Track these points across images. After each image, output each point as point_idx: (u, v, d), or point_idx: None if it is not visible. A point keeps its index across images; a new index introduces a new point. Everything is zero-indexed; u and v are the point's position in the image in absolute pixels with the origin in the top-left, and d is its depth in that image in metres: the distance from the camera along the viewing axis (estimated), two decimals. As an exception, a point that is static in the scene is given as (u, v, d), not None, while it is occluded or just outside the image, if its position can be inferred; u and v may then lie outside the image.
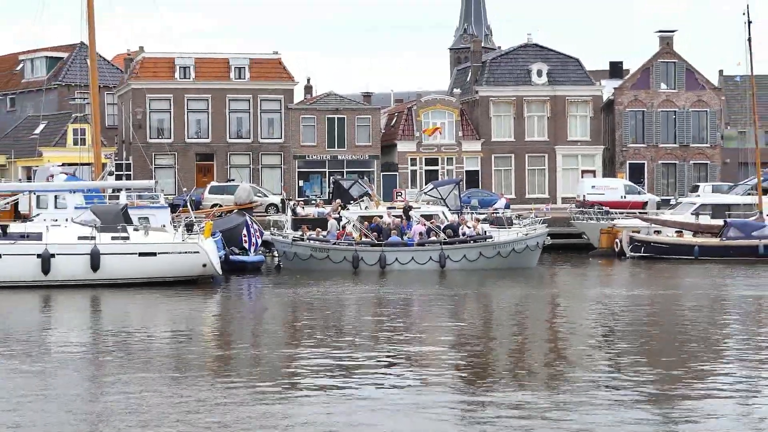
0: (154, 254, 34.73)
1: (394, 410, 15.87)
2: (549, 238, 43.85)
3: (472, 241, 41.47)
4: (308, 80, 72.31)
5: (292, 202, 51.48)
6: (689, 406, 16.45)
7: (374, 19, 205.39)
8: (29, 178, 59.18)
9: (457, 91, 71.78)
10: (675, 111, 68.52)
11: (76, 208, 39.38)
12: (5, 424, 15.06)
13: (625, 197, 58.16)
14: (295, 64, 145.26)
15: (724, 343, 22.96)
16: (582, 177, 64.78)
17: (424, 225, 41.79)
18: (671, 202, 58.65)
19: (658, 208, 56.48)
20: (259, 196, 54.93)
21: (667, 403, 16.56)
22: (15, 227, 35.47)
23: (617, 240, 47.71)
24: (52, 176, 44.68)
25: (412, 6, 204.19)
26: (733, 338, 23.84)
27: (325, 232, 41.66)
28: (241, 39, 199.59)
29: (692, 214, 49.42)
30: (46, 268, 33.61)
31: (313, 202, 55.83)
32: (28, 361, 20.76)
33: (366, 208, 44.32)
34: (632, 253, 46.50)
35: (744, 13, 50.77)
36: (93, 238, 34.36)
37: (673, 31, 69.43)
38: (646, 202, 58.36)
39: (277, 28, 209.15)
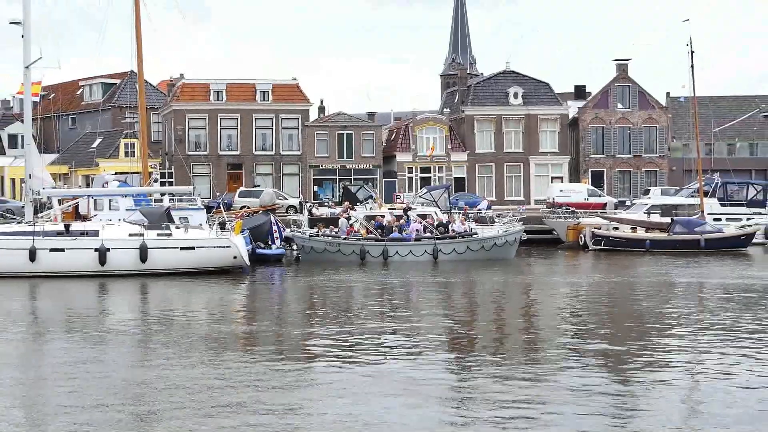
0: (192, 248, 34.79)
1: (394, 376, 15.91)
2: (524, 234, 43.95)
3: (460, 237, 41.57)
4: (321, 102, 72.42)
5: (308, 204, 51.51)
6: (640, 369, 16.49)
7: (373, 19, 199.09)
8: (88, 185, 59.24)
9: (446, 110, 71.90)
10: (629, 127, 68.58)
11: (127, 209, 39.47)
12: (67, 388, 15.08)
13: (587, 199, 58.24)
14: (294, 63, 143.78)
15: (670, 320, 22.97)
16: (551, 182, 64.91)
17: (420, 223, 41.85)
18: (626, 204, 58.68)
19: (615, 208, 56.53)
20: (281, 199, 54.94)
21: (621, 367, 16.57)
22: (76, 226, 35.51)
23: (581, 235, 47.83)
24: (107, 183, 44.70)
25: (408, 7, 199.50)
26: (677, 316, 23.86)
27: (336, 229, 41.73)
28: (241, 41, 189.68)
29: (644, 213, 49.61)
30: (102, 260, 33.68)
31: (326, 204, 55.88)
32: (87, 337, 20.80)
33: (371, 209, 44.44)
34: (594, 246, 46.62)
35: (687, 44, 51.07)
36: (141, 234, 34.42)
37: (627, 60, 69.47)
38: (606, 203, 58.44)
39: (277, 28, 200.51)
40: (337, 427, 12.71)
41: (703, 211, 49.07)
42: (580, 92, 77.00)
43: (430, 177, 65.92)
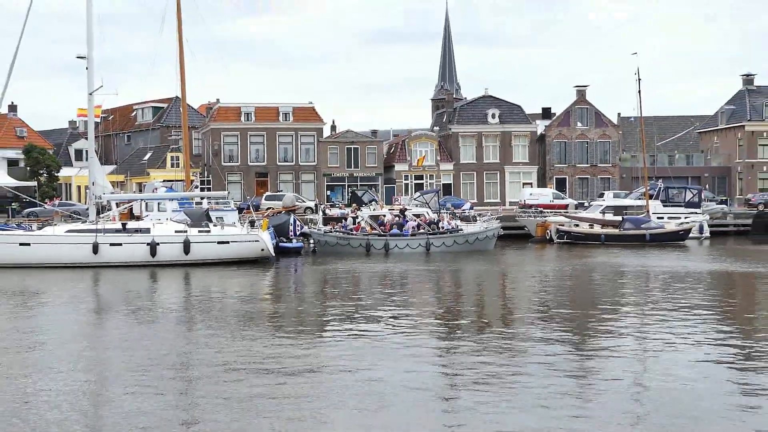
0: (227, 242, 34.88)
1: (393, 344, 16.00)
2: (501, 230, 44.01)
3: (448, 233, 41.62)
4: (333, 121, 72.40)
5: (322, 206, 51.56)
6: (595, 337, 16.58)
7: (377, 53, 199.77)
8: (140, 190, 59.34)
9: (436, 128, 71.94)
10: (587, 141, 68.61)
11: (173, 211, 39.57)
12: (122, 354, 15.18)
13: (553, 201, 58.29)
14: (300, 83, 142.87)
15: (620, 299, 23.04)
16: (523, 187, 64.91)
17: (415, 221, 41.90)
18: (585, 205, 58.76)
19: (576, 209, 56.57)
20: (300, 202, 55.00)
21: (579, 336, 16.66)
22: (131, 224, 35.61)
23: (548, 231, 47.88)
24: (156, 189, 44.83)
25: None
26: (627, 295, 23.93)
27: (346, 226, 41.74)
28: (264, 69, 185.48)
29: (600, 212, 49.63)
30: (153, 253, 33.77)
31: (337, 205, 55.93)
32: (140, 315, 20.88)
33: (374, 209, 44.47)
34: (558, 240, 46.66)
35: (635, 73, 51.18)
36: (185, 231, 34.52)
37: (586, 86, 69.53)
38: (568, 204, 58.48)
39: (282, 45, 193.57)
40: (346, 384, 12.81)
41: (648, 211, 49.11)
42: (546, 113, 77.13)
43: (423, 183, 65.97)
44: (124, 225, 35.06)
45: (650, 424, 10.89)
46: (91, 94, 36.38)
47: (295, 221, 41.83)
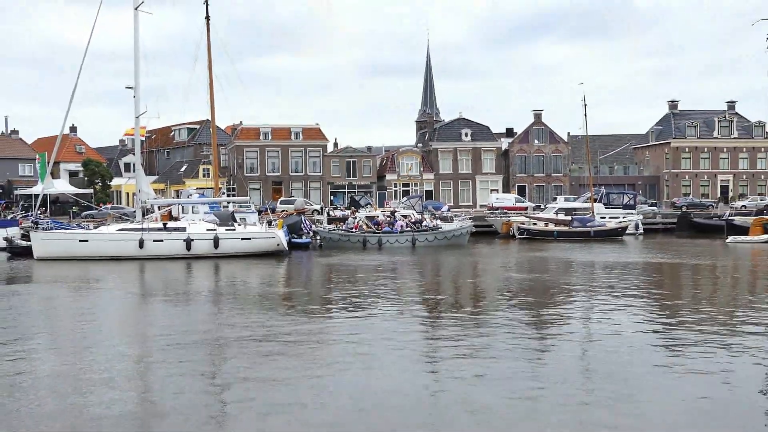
0: (249, 239, 34.90)
1: (384, 324, 16.08)
2: (473, 228, 44.09)
3: (430, 230, 41.70)
4: (335, 139, 72.40)
5: (327, 209, 51.58)
6: (549, 315, 16.69)
7: (372, 84, 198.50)
8: (177, 196, 59.24)
9: (419, 145, 72.06)
10: (543, 155, 68.85)
11: (205, 213, 39.52)
12: (163, 328, 15.22)
13: (515, 204, 58.45)
14: (308, 108, 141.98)
15: (569, 284, 23.14)
16: (491, 193, 65.10)
17: (403, 221, 41.97)
18: (541, 207, 58.96)
19: (533, 210, 56.77)
20: (308, 205, 55.07)
21: (535, 313, 16.78)
22: (171, 224, 35.58)
23: (511, 228, 48.04)
24: (191, 195, 44.74)
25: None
26: (575, 281, 24.04)
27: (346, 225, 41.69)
28: (265, 90, 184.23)
29: (553, 213, 49.84)
30: (188, 247, 33.75)
31: (339, 208, 55.99)
32: (178, 297, 20.91)
33: (369, 211, 44.54)
34: (520, 236, 46.80)
35: (582, 99, 51.66)
36: (215, 229, 34.51)
37: (541, 110, 69.79)
38: (527, 207, 58.67)
39: (294, 76, 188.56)
40: (342, 350, 12.91)
41: (593, 212, 49.38)
42: (509, 132, 77.28)
43: (409, 190, 66.05)
44: (164, 224, 35.04)
45: (593, 386, 11.03)
46: (137, 117, 36.40)
47: (305, 221, 41.89)
